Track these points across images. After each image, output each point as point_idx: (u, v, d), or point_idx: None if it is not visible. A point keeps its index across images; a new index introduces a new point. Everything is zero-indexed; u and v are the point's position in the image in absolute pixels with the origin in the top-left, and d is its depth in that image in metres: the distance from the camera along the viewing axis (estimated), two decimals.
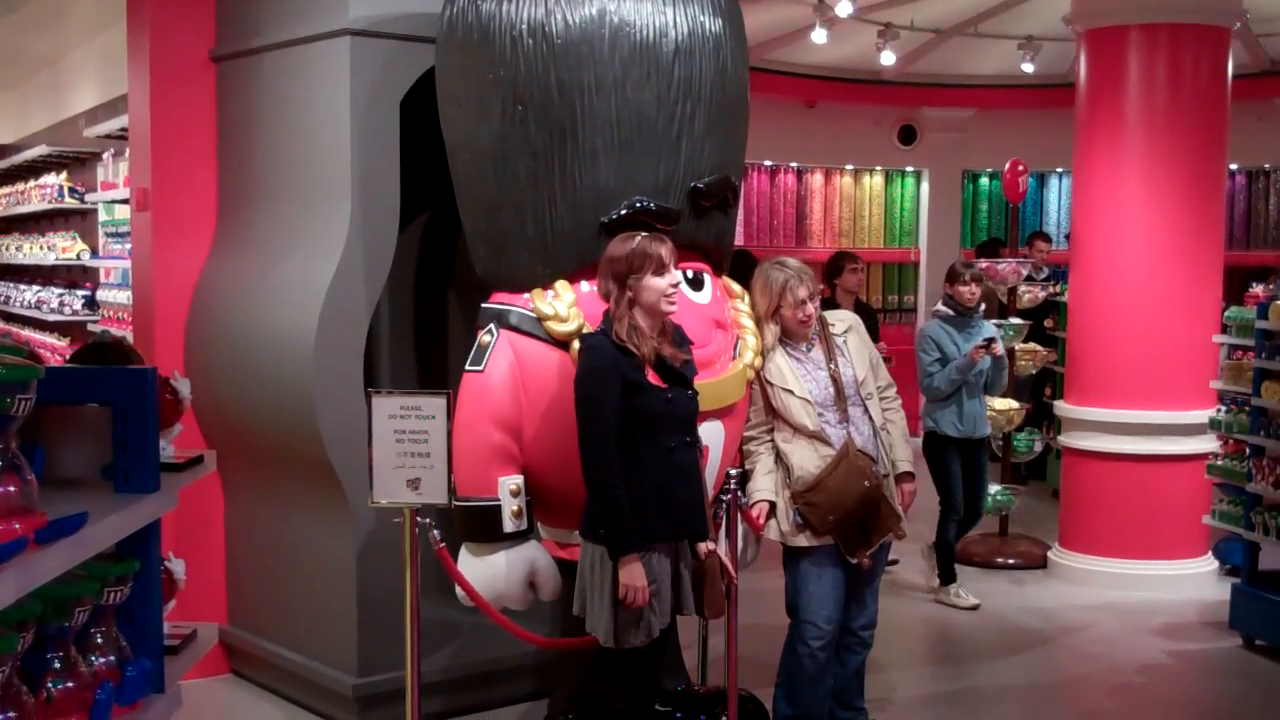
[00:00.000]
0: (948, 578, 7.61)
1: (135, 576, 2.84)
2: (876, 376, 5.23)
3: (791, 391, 5.00)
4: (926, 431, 7.56)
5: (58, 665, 2.56)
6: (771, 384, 5.04)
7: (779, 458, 5.08)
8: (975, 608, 7.44)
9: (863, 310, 7.82)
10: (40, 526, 2.30)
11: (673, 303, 4.42)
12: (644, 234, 4.46)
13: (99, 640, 2.74)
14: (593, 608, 4.39)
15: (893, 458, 5.19)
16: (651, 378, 4.38)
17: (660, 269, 4.36)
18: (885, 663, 6.37)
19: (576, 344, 4.62)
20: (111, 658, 2.75)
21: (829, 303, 7.21)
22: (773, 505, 5.06)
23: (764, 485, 5.05)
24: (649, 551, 4.34)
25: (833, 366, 5.08)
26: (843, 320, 5.29)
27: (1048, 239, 11.58)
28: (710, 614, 4.62)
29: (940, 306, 7.66)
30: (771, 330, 5.10)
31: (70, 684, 2.56)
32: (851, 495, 4.94)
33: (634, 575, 4.29)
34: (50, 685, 2.53)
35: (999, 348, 7.47)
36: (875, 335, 7.12)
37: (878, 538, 5.08)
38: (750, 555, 5.13)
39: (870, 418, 5.10)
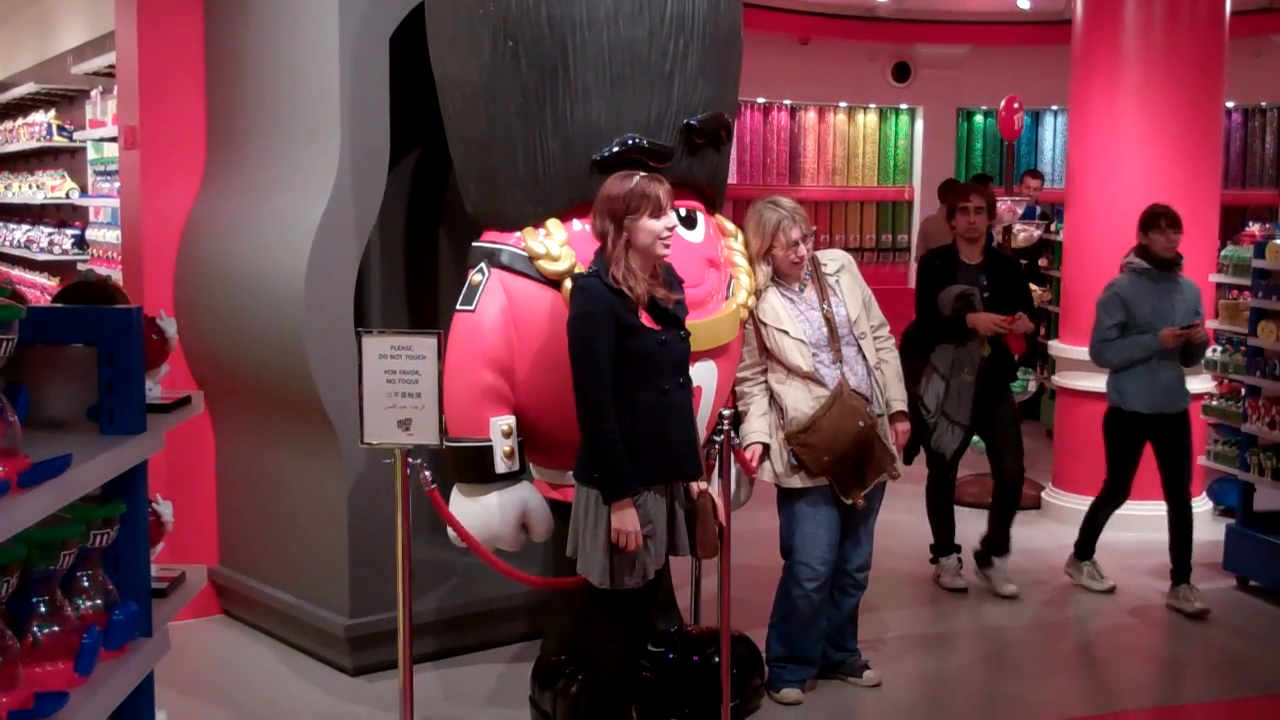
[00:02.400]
0: (1084, 552, 6.88)
1: (122, 519, 2.81)
2: (869, 315, 5.21)
3: (786, 332, 4.97)
4: (1110, 407, 6.60)
5: (43, 610, 2.53)
6: (765, 324, 5.01)
7: (772, 399, 5.05)
8: (1111, 590, 6.78)
9: (1007, 265, 6.88)
10: (24, 469, 2.27)
11: (668, 245, 4.38)
12: (642, 173, 4.40)
13: (85, 584, 2.71)
14: (585, 550, 4.38)
15: (886, 397, 5.18)
16: (645, 319, 4.34)
17: (657, 210, 4.31)
18: (877, 603, 6.38)
19: (568, 284, 4.59)
20: (98, 601, 2.72)
21: (949, 253, 6.65)
22: (766, 447, 5.04)
23: (758, 427, 5.03)
24: (643, 493, 4.32)
25: (826, 307, 5.06)
26: (835, 260, 5.26)
27: (1039, 176, 11.53)
28: (703, 554, 4.62)
29: (1132, 258, 6.55)
30: (764, 270, 5.06)
31: (56, 628, 2.53)
32: (846, 435, 4.93)
33: (626, 520, 4.27)
34: (36, 630, 2.50)
35: (1202, 330, 6.41)
36: (1025, 294, 6.81)
37: (872, 478, 5.07)
38: (743, 496, 5.12)
39: (864, 358, 5.08)
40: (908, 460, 5.92)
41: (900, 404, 5.23)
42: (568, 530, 4.51)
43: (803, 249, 5.03)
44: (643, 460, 4.31)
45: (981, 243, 6.65)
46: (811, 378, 4.96)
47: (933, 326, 6.53)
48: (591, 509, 4.35)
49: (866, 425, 4.98)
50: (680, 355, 4.46)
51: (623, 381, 4.30)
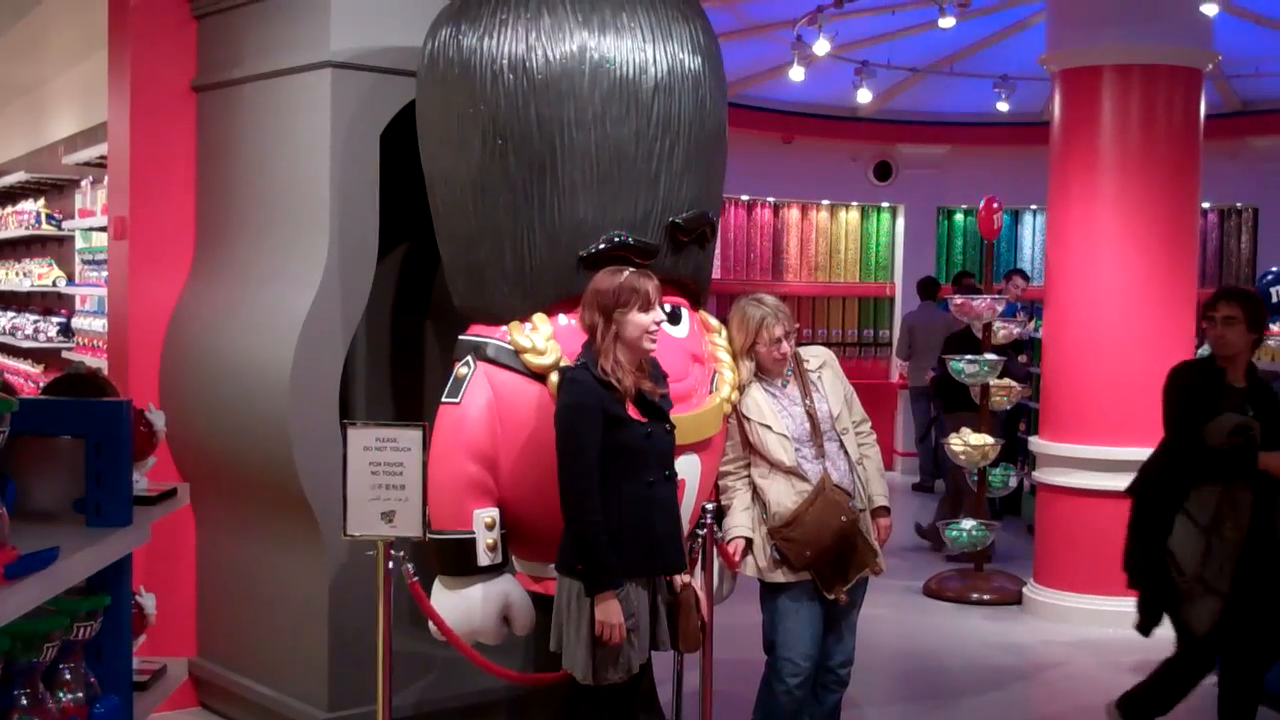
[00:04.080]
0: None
1: (105, 612, 2.81)
2: (851, 411, 5.23)
3: (769, 427, 5.00)
4: None
5: (25, 702, 2.52)
6: (749, 419, 5.04)
7: (755, 493, 5.07)
8: None
9: (1268, 391, 5.50)
10: (10, 561, 2.28)
11: (654, 340, 4.42)
12: (631, 269, 4.46)
13: (67, 676, 2.71)
14: (569, 643, 4.37)
15: (869, 492, 5.19)
16: (632, 412, 4.37)
17: (646, 305, 4.36)
18: (860, 700, 6.36)
19: (555, 376, 4.62)
20: (80, 694, 2.72)
21: (1212, 370, 5.44)
22: (749, 541, 5.05)
23: (741, 521, 5.04)
24: (626, 585, 4.33)
25: (808, 402, 5.09)
26: (817, 356, 5.29)
27: (1026, 277, 11.66)
28: (685, 647, 4.61)
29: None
30: (747, 366, 5.10)
31: None
32: (828, 530, 4.94)
33: (610, 612, 4.27)
34: None
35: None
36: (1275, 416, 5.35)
37: (855, 573, 5.06)
38: (725, 590, 5.12)
39: (846, 453, 5.10)
40: (1145, 631, 5.62)
41: (882, 499, 5.23)
42: (550, 623, 4.50)
43: (785, 346, 5.06)
44: (627, 552, 4.32)
45: (1243, 361, 5.45)
46: (794, 472, 4.98)
47: (1196, 460, 5.31)
48: (574, 602, 4.34)
49: (849, 520, 4.98)
50: (666, 448, 4.49)
51: (608, 473, 4.32)
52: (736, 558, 5.02)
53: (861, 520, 5.08)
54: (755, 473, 5.06)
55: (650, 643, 4.49)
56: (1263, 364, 6.60)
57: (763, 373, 5.12)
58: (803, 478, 4.98)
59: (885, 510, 5.26)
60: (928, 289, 12.35)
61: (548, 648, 4.98)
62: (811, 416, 5.06)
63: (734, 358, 5.09)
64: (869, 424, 5.32)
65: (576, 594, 4.33)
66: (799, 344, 5.30)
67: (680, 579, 4.57)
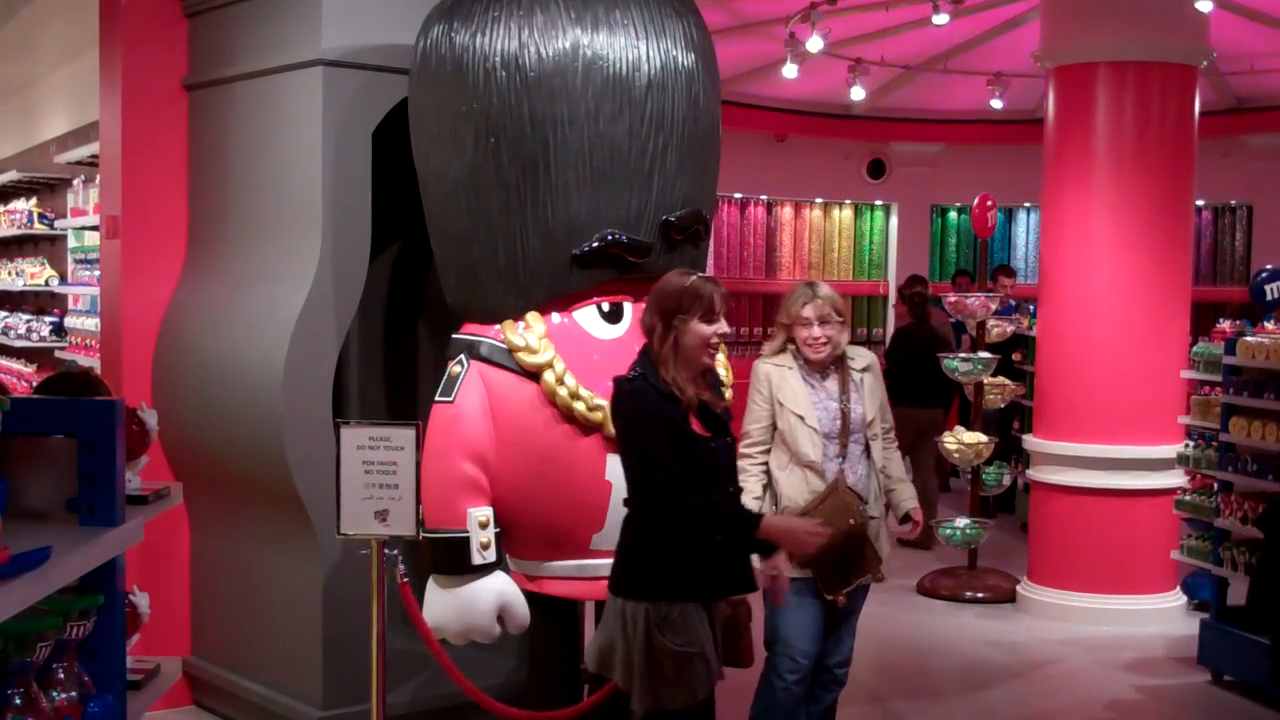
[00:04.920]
0: None
1: (99, 611, 2.80)
2: (882, 419, 5.15)
3: (803, 418, 4.93)
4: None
5: (19, 701, 2.51)
6: (782, 404, 4.97)
7: (769, 484, 5.02)
8: None
9: None
10: (3, 561, 2.27)
11: (714, 354, 4.16)
12: (700, 274, 4.21)
13: (61, 676, 2.70)
14: (624, 669, 4.07)
15: (897, 499, 5.14)
16: (695, 426, 4.10)
17: (709, 314, 4.07)
18: (854, 698, 6.35)
19: (548, 377, 4.62)
20: (74, 693, 2.71)
21: None
22: None
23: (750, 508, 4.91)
24: (689, 608, 4.03)
25: (844, 400, 5.02)
26: (863, 358, 5.18)
27: (1011, 274, 11.67)
28: (746, 663, 4.39)
29: None
30: (777, 340, 5.07)
31: None
32: (836, 531, 4.78)
33: (790, 534, 4.15)
34: None
35: None
36: None
37: (856, 578, 5.01)
38: None
39: (869, 458, 5.04)
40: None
41: (911, 502, 5.17)
42: (547, 622, 4.43)
43: (817, 330, 4.95)
44: (691, 576, 4.05)
45: None
46: (813, 468, 4.92)
47: None
48: (630, 625, 4.04)
49: (858, 524, 4.91)
50: (730, 462, 4.28)
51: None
52: None
53: (871, 527, 5.00)
54: (773, 462, 5.00)
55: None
56: (1258, 362, 6.62)
57: (807, 362, 5.05)
58: (819, 474, 4.93)
59: (919, 510, 5.21)
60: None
61: (542, 648, 5.00)
62: (845, 415, 4.99)
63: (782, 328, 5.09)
64: (893, 433, 5.26)
65: (632, 616, 4.04)
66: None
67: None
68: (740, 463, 4.94)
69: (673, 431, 4.01)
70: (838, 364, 5.08)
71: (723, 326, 4.16)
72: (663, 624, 4.00)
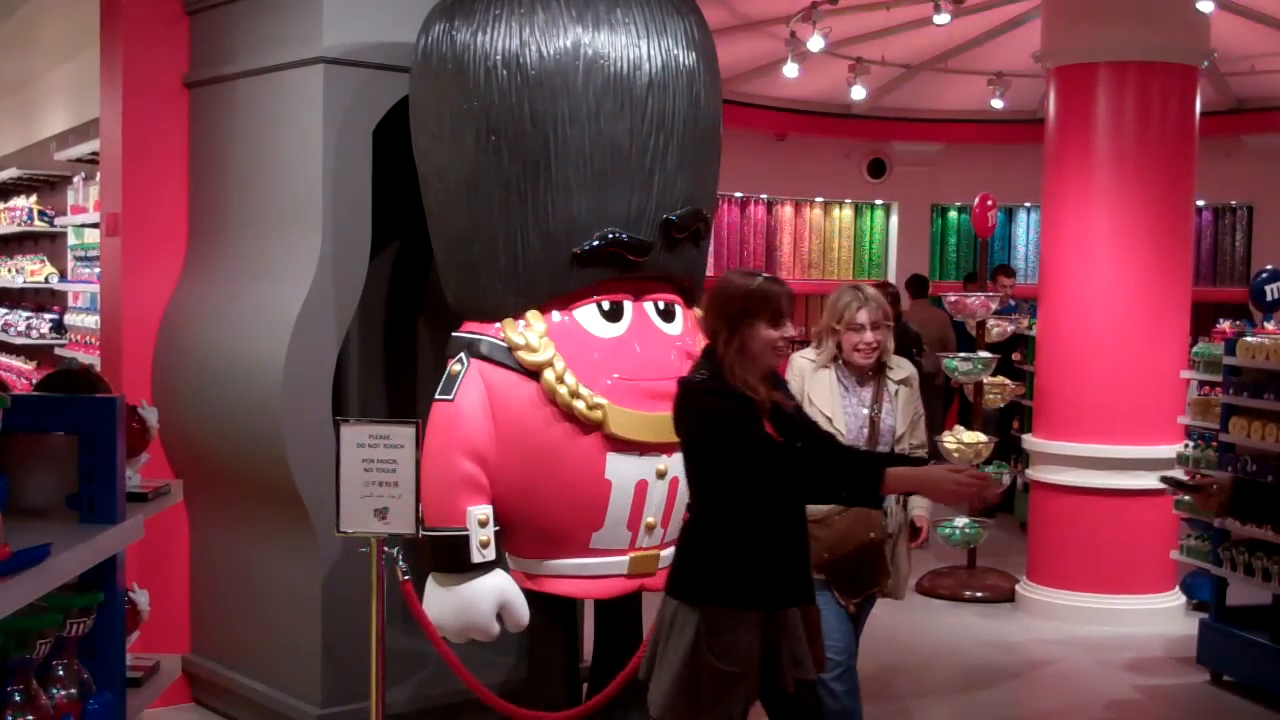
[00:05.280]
0: None
1: (98, 608, 2.80)
2: (913, 434, 5.03)
3: (830, 419, 4.83)
4: None
5: (18, 698, 2.51)
6: (812, 401, 4.87)
7: None
8: None
9: None
10: (3, 558, 2.27)
11: (779, 357, 4.03)
12: (765, 274, 4.10)
13: (60, 673, 2.70)
14: (661, 674, 3.98)
15: (910, 506, 5.02)
16: (769, 429, 4.00)
17: (775, 318, 3.95)
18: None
19: (548, 375, 4.62)
20: (73, 691, 2.71)
21: None
22: None
23: None
24: (742, 624, 3.91)
25: (875, 409, 4.93)
26: (902, 369, 5.07)
27: (1011, 274, 11.67)
28: (819, 669, 4.22)
29: None
30: (827, 349, 4.96)
31: (30, 717, 2.51)
32: (853, 542, 4.79)
33: (937, 485, 3.98)
34: (11, 719, 2.49)
35: None
36: None
37: (865, 589, 4.92)
38: None
39: None
40: None
41: (918, 510, 5.00)
42: (545, 621, 4.42)
43: (869, 335, 4.82)
44: (757, 583, 3.93)
45: None
46: None
47: None
48: (679, 632, 3.92)
49: (876, 539, 4.83)
50: None
51: (743, 496, 3.95)
52: None
53: (888, 543, 4.91)
54: None
55: (776, 681, 4.01)
56: (1258, 363, 6.62)
57: (846, 364, 4.95)
58: None
59: (923, 519, 5.05)
60: (919, 287, 12.35)
61: (542, 647, 4.99)
62: (874, 424, 4.91)
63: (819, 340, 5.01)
64: (923, 450, 5.11)
65: (681, 623, 3.92)
66: (803, 342, 5.17)
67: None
68: None
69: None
70: (876, 371, 4.96)
71: (789, 330, 4.04)
72: (711, 638, 3.88)
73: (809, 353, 5.03)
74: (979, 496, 4.04)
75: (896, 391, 5.00)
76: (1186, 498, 6.76)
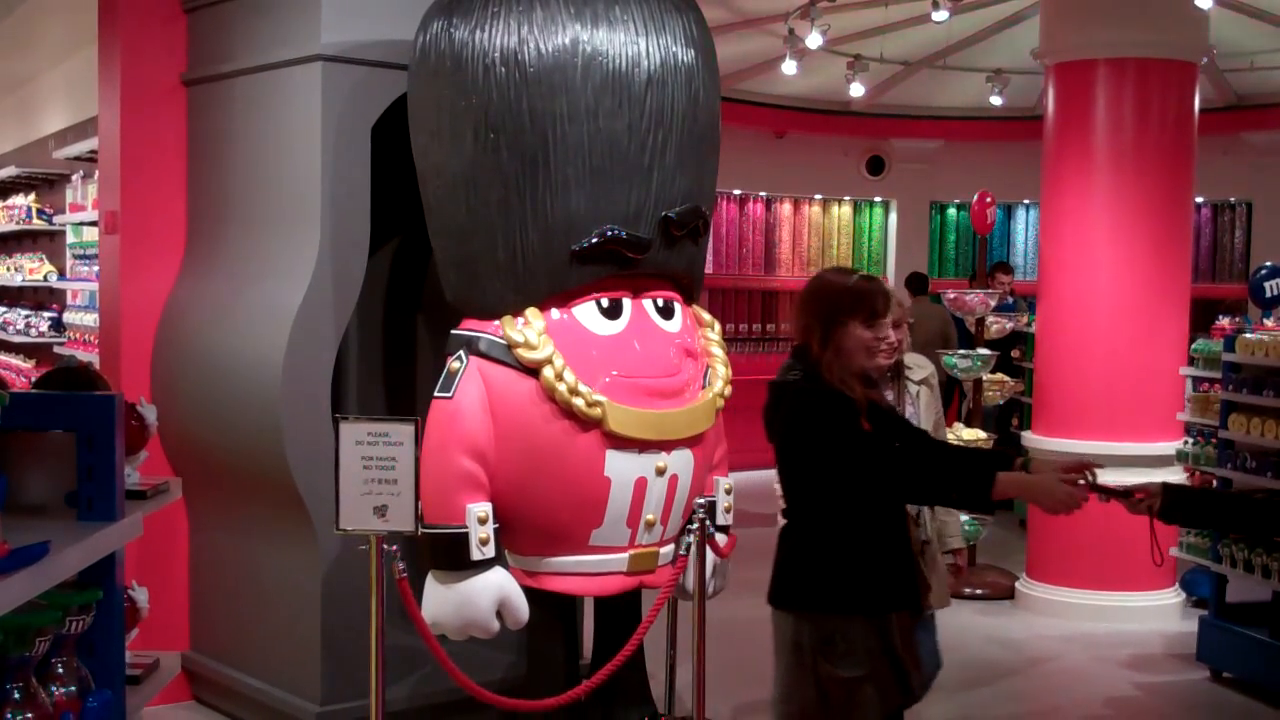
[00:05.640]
0: None
1: (97, 605, 2.81)
2: (935, 435, 4.80)
3: None
4: None
5: (17, 696, 2.52)
6: None
7: None
8: None
9: None
10: (1, 555, 2.27)
11: (873, 357, 3.95)
12: (862, 273, 4.04)
13: (60, 670, 2.71)
14: (789, 694, 3.87)
15: (944, 533, 4.89)
16: (867, 427, 3.88)
17: (872, 318, 3.87)
18: None
19: (547, 373, 4.61)
20: (72, 688, 2.71)
21: None
22: None
23: None
24: (854, 626, 3.82)
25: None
26: (921, 368, 4.93)
27: (1009, 270, 11.67)
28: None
29: None
30: None
31: (30, 715, 2.52)
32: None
33: (1049, 496, 3.80)
34: (10, 716, 2.49)
35: None
36: None
37: None
38: (716, 585, 5.11)
39: None
40: None
41: (955, 541, 4.88)
42: (544, 618, 4.41)
43: (892, 335, 4.35)
44: (862, 587, 3.83)
45: None
46: None
47: None
48: (795, 648, 3.82)
49: (915, 547, 4.54)
50: None
51: (846, 498, 3.83)
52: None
53: (928, 551, 4.74)
54: None
55: (902, 690, 3.96)
56: (1257, 359, 6.61)
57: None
58: None
59: (961, 553, 4.90)
60: (919, 284, 12.36)
61: (541, 644, 4.98)
62: None
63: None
64: None
65: (794, 638, 3.82)
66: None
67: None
68: None
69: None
70: (893, 372, 4.77)
71: (885, 330, 3.97)
72: (826, 647, 3.79)
73: None
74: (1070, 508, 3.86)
75: (918, 393, 4.86)
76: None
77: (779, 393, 3.93)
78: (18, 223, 10.20)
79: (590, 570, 4.83)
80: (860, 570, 3.83)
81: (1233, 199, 13.68)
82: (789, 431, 3.92)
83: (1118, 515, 6.45)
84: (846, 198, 14.20)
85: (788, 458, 3.96)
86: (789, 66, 10.90)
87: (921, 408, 4.82)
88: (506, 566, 4.84)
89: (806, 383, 3.84)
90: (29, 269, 10.09)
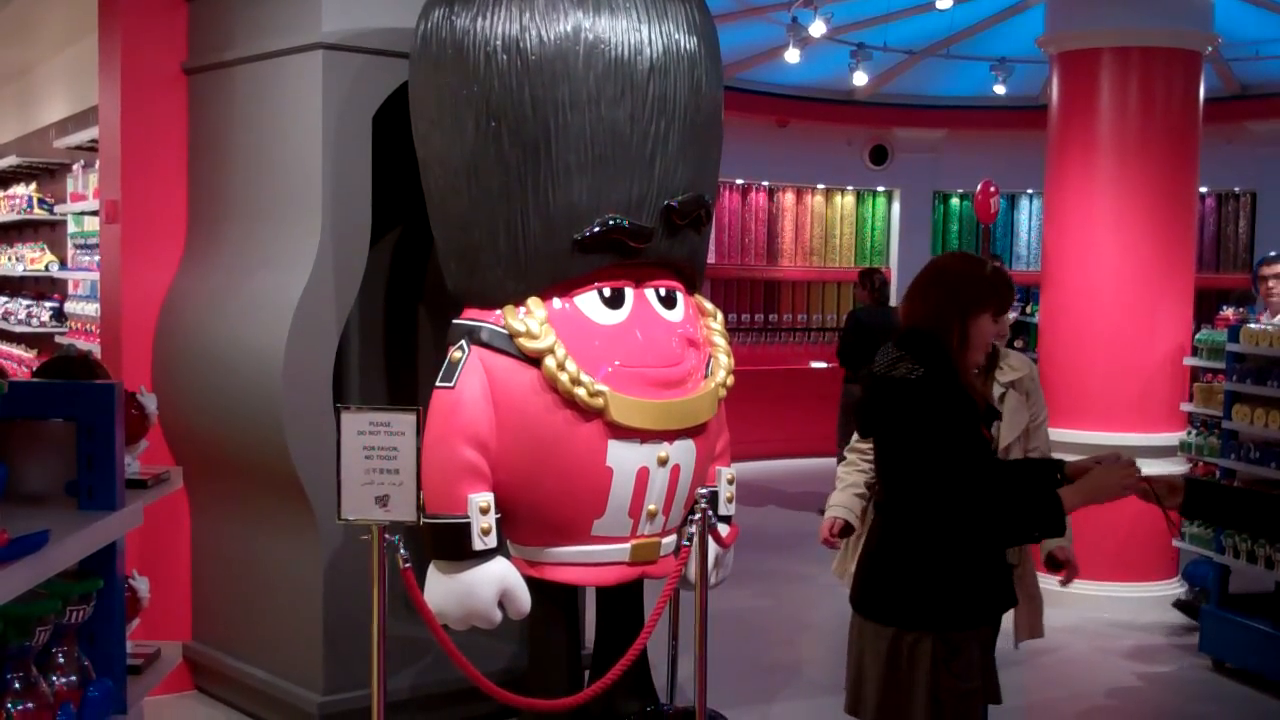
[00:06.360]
0: None
1: (98, 595, 2.80)
2: (1030, 439, 4.56)
3: None
4: None
5: (18, 686, 2.51)
6: None
7: (870, 486, 4.43)
8: None
9: None
10: (1, 544, 2.26)
11: (989, 349, 3.81)
12: (995, 260, 3.83)
13: (60, 660, 2.70)
14: (900, 707, 3.69)
15: (1047, 545, 4.52)
16: (987, 435, 3.70)
17: (1000, 311, 3.71)
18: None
19: (549, 362, 4.60)
20: (73, 678, 2.71)
21: None
22: (847, 524, 4.58)
23: (840, 500, 4.58)
24: (976, 641, 3.73)
25: None
26: (1015, 370, 4.53)
27: (997, 259, 11.62)
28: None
29: None
30: None
31: (30, 705, 2.51)
32: None
33: (1099, 490, 3.72)
34: (10, 706, 2.49)
35: None
36: None
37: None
38: (717, 576, 5.10)
39: None
40: None
41: (1055, 542, 4.39)
42: (544, 612, 4.39)
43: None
44: (987, 598, 3.74)
45: None
46: None
47: None
48: (909, 659, 3.66)
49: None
50: None
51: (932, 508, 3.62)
52: (826, 534, 4.58)
53: (1015, 574, 4.42)
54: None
55: (997, 690, 3.91)
56: (1261, 349, 6.60)
57: None
58: None
59: (1064, 550, 4.49)
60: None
61: (544, 634, 4.98)
62: None
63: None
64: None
65: (910, 649, 3.65)
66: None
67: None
68: (848, 454, 4.60)
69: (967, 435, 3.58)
70: (982, 371, 4.18)
71: (1004, 327, 3.79)
72: (951, 661, 3.63)
73: None
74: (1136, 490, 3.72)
75: (1003, 396, 4.45)
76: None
77: (886, 383, 3.62)
78: (19, 212, 10.19)
79: (592, 560, 4.82)
80: (979, 583, 3.71)
81: (1237, 189, 13.65)
82: (891, 424, 3.66)
83: (1119, 505, 6.43)
84: (849, 187, 14.18)
85: (905, 459, 3.64)
86: (792, 55, 10.88)
87: (1007, 413, 4.39)
88: (508, 556, 4.84)
89: (929, 379, 3.55)
90: (30, 259, 10.08)
